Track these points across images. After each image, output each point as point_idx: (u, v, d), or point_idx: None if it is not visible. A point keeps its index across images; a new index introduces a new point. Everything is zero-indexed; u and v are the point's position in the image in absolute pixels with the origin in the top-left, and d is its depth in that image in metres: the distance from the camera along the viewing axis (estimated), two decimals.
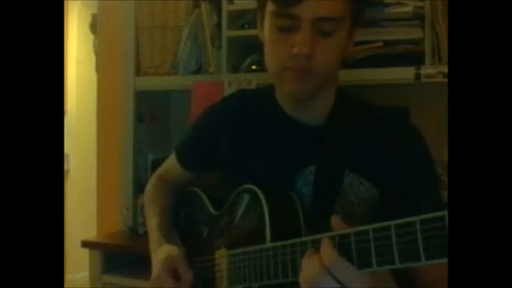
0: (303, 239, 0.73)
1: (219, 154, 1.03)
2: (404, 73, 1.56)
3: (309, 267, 0.67)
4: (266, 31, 0.88)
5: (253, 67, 1.81)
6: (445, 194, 0.83)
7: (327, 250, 0.66)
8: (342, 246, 0.66)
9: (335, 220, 0.71)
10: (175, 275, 0.97)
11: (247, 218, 0.92)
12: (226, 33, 1.82)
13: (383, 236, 0.62)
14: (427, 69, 1.54)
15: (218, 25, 1.85)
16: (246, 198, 0.92)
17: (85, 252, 1.93)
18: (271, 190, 0.88)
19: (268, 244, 0.81)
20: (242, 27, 1.82)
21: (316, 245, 0.70)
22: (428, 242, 0.57)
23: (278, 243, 0.78)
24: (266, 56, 0.90)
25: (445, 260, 0.54)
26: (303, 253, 0.72)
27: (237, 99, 1.07)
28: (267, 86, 1.01)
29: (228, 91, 1.73)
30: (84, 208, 3.14)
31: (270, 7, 0.85)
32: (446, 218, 0.54)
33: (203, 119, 1.10)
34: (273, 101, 0.98)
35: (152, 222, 1.11)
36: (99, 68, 2.28)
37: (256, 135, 0.98)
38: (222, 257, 0.94)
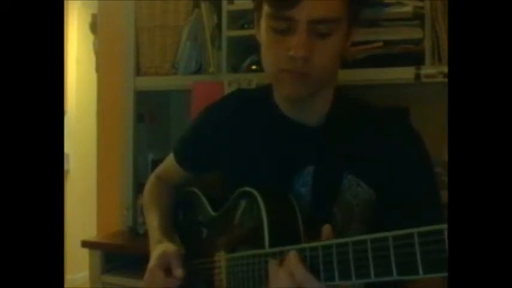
0: (302, 245, 0.73)
1: (217, 154, 1.03)
2: (404, 73, 1.56)
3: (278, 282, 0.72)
4: (262, 33, 0.87)
5: (253, 67, 1.81)
6: (445, 193, 0.84)
7: (296, 265, 0.70)
8: (340, 255, 0.67)
9: (327, 229, 0.73)
10: (168, 271, 0.97)
11: (246, 220, 0.92)
12: (226, 33, 1.82)
13: (381, 246, 0.62)
14: (427, 69, 1.54)
15: (218, 25, 1.85)
16: (244, 201, 0.92)
17: (85, 252, 1.93)
18: (269, 192, 0.88)
19: (267, 250, 0.81)
20: (242, 27, 1.82)
21: (315, 252, 0.70)
22: (427, 256, 0.56)
23: (276, 249, 0.78)
24: (263, 58, 0.90)
25: (443, 274, 0.54)
26: (303, 259, 0.72)
27: (234, 99, 1.07)
28: (265, 85, 1.01)
29: (228, 91, 1.73)
30: (84, 208, 3.13)
31: (265, 9, 0.84)
32: (446, 232, 0.54)
33: (201, 118, 1.10)
34: (271, 101, 0.98)
35: (152, 221, 1.11)
36: (99, 68, 2.28)
37: (254, 135, 0.98)
38: (221, 260, 0.94)
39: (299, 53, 0.81)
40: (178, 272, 0.96)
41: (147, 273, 0.99)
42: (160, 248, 1.00)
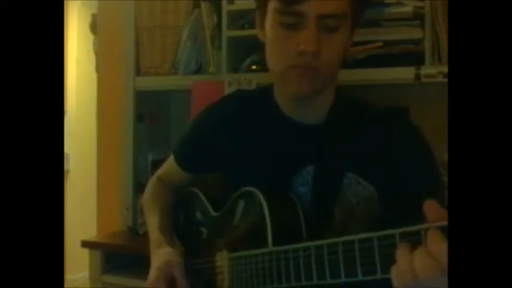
0: (306, 244, 0.73)
1: (217, 155, 1.03)
2: (404, 73, 1.56)
3: (418, 263, 0.57)
4: (268, 29, 0.87)
5: (253, 67, 1.81)
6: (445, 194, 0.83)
7: (441, 245, 0.55)
8: (346, 254, 0.66)
9: (430, 205, 0.60)
10: (172, 282, 0.96)
11: (247, 220, 0.91)
12: (226, 33, 1.82)
13: (387, 244, 0.62)
14: (427, 69, 1.54)
15: (218, 25, 1.85)
16: (245, 200, 0.92)
17: (85, 252, 1.93)
18: (270, 191, 0.88)
19: (271, 248, 0.81)
20: (242, 27, 1.82)
21: (320, 251, 0.70)
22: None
23: (280, 248, 0.78)
24: (268, 55, 0.89)
25: None
26: (306, 258, 0.72)
27: (234, 100, 1.07)
28: (265, 85, 1.01)
29: (228, 91, 1.73)
30: (84, 208, 3.13)
31: (273, 5, 0.84)
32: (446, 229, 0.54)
33: (200, 119, 1.10)
34: (271, 100, 0.98)
35: (152, 223, 1.11)
36: (99, 68, 2.28)
37: (254, 135, 0.98)
38: (223, 259, 0.94)
39: (309, 48, 0.81)
40: (183, 284, 0.96)
41: (150, 283, 0.97)
42: (162, 255, 0.99)
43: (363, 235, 0.65)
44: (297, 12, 0.81)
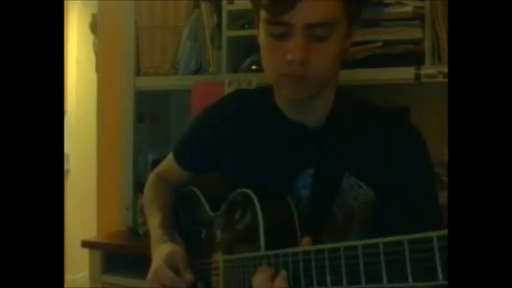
0: (295, 249, 0.74)
1: (217, 155, 1.03)
2: (404, 73, 1.56)
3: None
4: (261, 37, 0.88)
5: (253, 67, 1.81)
6: (445, 193, 0.83)
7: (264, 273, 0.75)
8: (332, 261, 0.67)
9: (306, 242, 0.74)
10: (175, 271, 0.96)
11: (243, 222, 0.91)
12: (226, 33, 1.82)
13: (372, 253, 0.61)
14: (427, 69, 1.54)
15: (218, 25, 1.85)
16: (241, 202, 0.92)
17: (85, 252, 1.93)
18: (267, 194, 0.88)
19: (262, 252, 0.81)
20: (242, 27, 1.82)
21: (308, 256, 0.70)
22: (417, 263, 0.56)
23: (271, 252, 0.78)
24: (263, 62, 0.90)
25: (433, 283, 0.54)
26: (295, 263, 0.72)
27: (234, 100, 1.07)
28: (265, 86, 1.01)
29: (228, 91, 1.73)
30: (84, 208, 3.13)
31: (263, 14, 0.84)
32: (435, 239, 0.54)
33: (201, 119, 1.10)
34: (271, 101, 0.98)
35: (154, 220, 1.10)
36: (99, 68, 2.28)
37: (254, 136, 0.98)
38: (218, 261, 0.94)
39: (296, 57, 0.81)
40: (189, 276, 0.95)
41: (153, 271, 0.97)
42: (166, 248, 0.99)
43: (347, 243, 0.65)
44: (284, 22, 0.81)
